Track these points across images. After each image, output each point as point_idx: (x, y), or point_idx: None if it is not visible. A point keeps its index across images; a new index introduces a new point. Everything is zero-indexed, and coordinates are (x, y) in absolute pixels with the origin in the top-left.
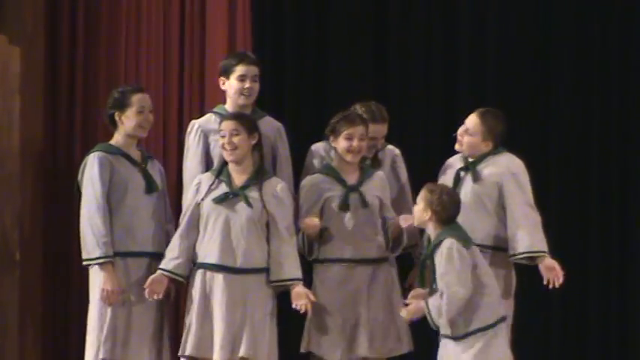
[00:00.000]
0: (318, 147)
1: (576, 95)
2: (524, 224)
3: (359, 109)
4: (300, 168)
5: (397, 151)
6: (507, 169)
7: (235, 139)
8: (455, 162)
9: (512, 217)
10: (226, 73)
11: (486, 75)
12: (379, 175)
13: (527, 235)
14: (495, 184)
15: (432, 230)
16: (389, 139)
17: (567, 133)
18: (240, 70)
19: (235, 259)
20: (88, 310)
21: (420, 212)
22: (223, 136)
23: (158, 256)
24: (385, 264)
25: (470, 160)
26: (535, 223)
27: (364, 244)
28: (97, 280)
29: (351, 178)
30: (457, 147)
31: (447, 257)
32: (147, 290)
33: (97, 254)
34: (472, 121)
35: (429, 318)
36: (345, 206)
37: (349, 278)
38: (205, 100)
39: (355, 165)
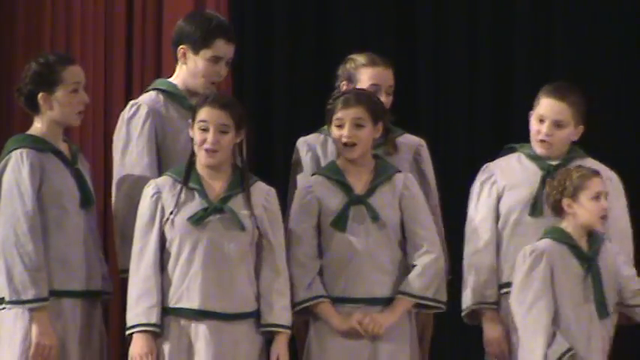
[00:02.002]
0: (310, 142)
1: None
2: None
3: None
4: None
5: (422, 141)
6: (606, 177)
7: (224, 138)
8: None
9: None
10: (195, 43)
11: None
12: (402, 177)
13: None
14: None
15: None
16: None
17: None
18: (218, 47)
19: (223, 302)
20: None
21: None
22: (204, 129)
23: (96, 295)
24: None
25: (551, 163)
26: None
27: (374, 278)
28: (19, 331)
29: (359, 182)
30: (544, 150)
31: None
32: None
33: (30, 295)
34: (556, 108)
35: None
36: (340, 224)
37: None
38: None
39: (367, 164)
